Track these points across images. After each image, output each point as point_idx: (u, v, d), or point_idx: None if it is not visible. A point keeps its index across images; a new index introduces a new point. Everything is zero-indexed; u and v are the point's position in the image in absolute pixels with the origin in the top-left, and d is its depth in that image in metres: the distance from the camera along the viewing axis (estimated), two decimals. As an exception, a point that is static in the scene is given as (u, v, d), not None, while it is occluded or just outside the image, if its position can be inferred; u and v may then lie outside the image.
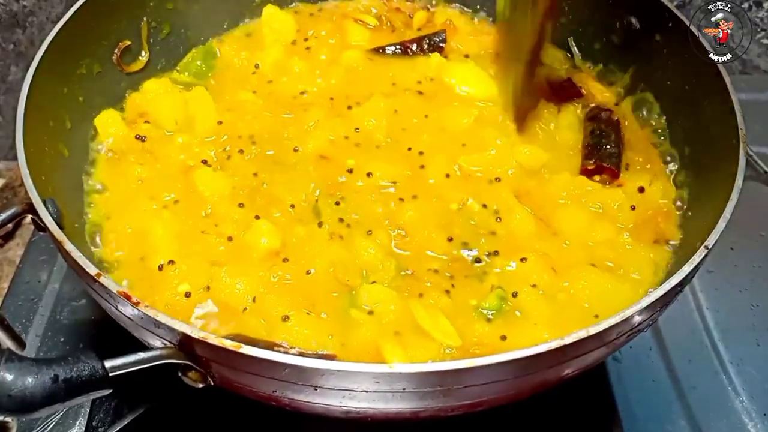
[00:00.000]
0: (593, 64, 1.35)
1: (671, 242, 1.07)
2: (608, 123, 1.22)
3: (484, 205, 1.10)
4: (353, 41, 1.39)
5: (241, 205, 1.10)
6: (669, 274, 0.98)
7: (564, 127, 1.24)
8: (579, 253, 1.06)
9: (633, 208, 1.11)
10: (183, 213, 1.10)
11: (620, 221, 1.10)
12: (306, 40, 1.38)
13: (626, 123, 1.25)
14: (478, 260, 1.04)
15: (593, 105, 1.27)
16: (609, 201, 1.11)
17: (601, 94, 1.30)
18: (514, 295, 0.99)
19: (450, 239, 1.06)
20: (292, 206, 1.10)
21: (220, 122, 1.22)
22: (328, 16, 1.45)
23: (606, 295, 1.00)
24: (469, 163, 1.16)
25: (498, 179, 1.15)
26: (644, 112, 1.26)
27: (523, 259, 1.03)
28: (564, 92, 1.30)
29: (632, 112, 1.27)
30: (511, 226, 1.08)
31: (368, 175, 1.14)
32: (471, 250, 1.05)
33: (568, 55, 1.38)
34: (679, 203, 1.12)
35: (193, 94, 1.25)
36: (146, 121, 1.22)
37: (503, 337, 0.96)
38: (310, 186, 1.12)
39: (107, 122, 1.20)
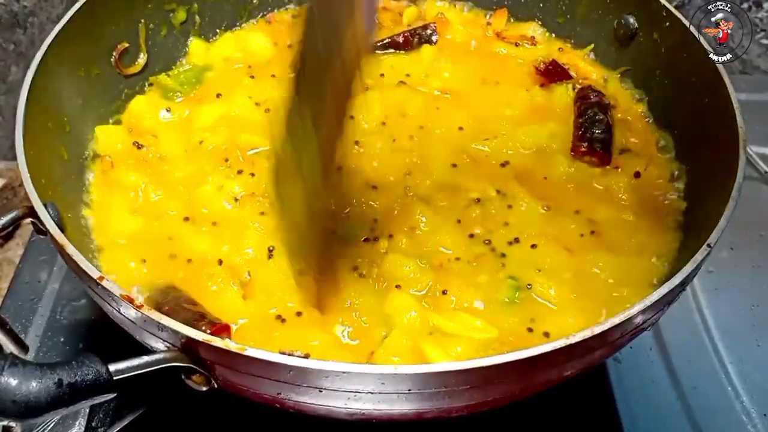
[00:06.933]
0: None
1: (671, 236, 1.08)
2: (599, 106, 1.22)
3: (498, 191, 1.11)
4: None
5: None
6: (670, 271, 0.99)
7: (558, 107, 1.26)
8: (586, 234, 1.07)
9: (629, 193, 1.13)
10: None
11: (623, 202, 1.12)
12: (290, 46, 1.35)
13: (619, 103, 1.27)
14: (494, 249, 1.04)
15: (584, 85, 1.28)
16: (609, 184, 1.14)
17: (590, 75, 1.32)
18: (529, 286, 1.00)
19: (471, 235, 1.06)
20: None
21: None
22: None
23: (622, 273, 1.02)
24: (477, 145, 1.18)
25: (503, 164, 1.16)
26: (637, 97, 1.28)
27: (533, 246, 1.04)
28: (551, 76, 1.31)
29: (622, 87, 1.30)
30: (518, 213, 1.09)
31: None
32: (486, 239, 1.05)
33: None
34: (677, 196, 1.13)
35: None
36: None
37: (532, 321, 0.97)
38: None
39: (108, 135, 1.18)
